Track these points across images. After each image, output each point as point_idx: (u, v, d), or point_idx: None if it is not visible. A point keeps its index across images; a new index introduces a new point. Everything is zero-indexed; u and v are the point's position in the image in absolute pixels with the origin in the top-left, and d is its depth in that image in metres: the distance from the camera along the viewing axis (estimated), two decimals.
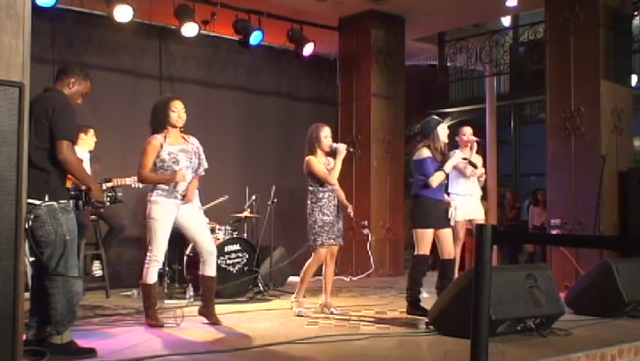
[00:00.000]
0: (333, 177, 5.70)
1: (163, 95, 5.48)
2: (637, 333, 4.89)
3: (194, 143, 5.22)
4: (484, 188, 10.70)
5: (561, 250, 7.47)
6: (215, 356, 4.04)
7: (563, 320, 5.01)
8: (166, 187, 5.04)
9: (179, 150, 5.09)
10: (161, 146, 5.05)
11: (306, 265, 5.78)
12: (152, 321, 5.03)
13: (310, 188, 5.74)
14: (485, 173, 7.17)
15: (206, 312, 5.23)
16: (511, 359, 4.09)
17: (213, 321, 5.16)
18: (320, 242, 5.64)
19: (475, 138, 6.85)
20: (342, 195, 5.85)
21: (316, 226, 5.65)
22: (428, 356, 4.31)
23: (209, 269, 5.21)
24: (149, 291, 5.09)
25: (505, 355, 4.13)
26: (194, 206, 5.30)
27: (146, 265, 5.09)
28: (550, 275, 5.09)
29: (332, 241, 5.67)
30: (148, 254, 5.11)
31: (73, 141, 3.95)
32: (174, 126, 5.11)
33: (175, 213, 5.08)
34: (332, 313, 5.76)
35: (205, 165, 5.26)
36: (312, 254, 5.73)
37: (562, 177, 7.73)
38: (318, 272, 5.89)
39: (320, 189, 5.69)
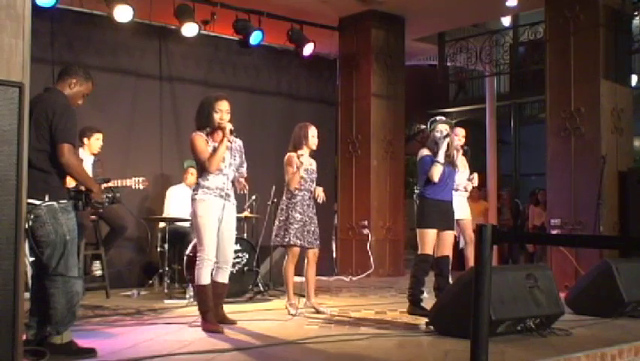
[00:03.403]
0: (292, 184, 5.67)
1: (211, 93, 5.34)
2: (637, 333, 4.89)
3: (236, 141, 5.10)
4: (482, 188, 10.71)
5: (561, 250, 7.47)
6: (215, 356, 4.04)
7: (562, 320, 5.00)
8: (211, 186, 4.95)
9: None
10: (207, 142, 4.98)
11: (283, 267, 5.84)
12: (211, 326, 4.83)
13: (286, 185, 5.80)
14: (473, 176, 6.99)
15: (216, 317, 5.06)
16: (511, 359, 4.09)
17: (227, 323, 5.02)
18: (288, 240, 5.66)
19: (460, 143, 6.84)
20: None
21: (287, 223, 5.69)
22: (428, 356, 4.31)
23: (222, 276, 5.09)
24: (205, 293, 4.91)
25: (505, 355, 4.13)
26: (235, 209, 5.17)
27: (197, 266, 4.93)
28: (550, 275, 5.08)
29: (299, 241, 5.67)
30: (198, 254, 4.96)
31: (74, 144, 3.94)
32: (215, 128, 4.99)
33: (220, 212, 4.95)
34: (318, 312, 5.77)
35: (245, 164, 5.20)
36: (286, 254, 5.78)
37: (562, 177, 7.73)
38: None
39: (295, 187, 5.73)
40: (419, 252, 5.74)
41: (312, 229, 5.78)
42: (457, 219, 6.95)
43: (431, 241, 5.70)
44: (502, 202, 11.78)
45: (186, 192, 7.51)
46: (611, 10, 7.69)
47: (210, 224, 4.92)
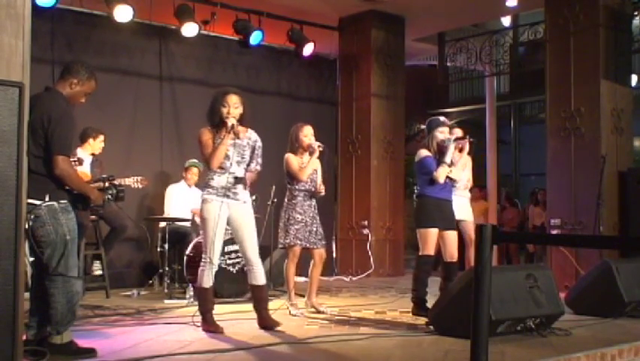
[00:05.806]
0: (304, 174, 5.73)
1: (221, 87, 5.19)
2: (637, 333, 4.89)
3: (250, 137, 4.96)
4: (482, 187, 10.68)
5: (561, 250, 7.47)
6: (215, 356, 4.04)
7: (562, 320, 5.00)
8: (216, 185, 4.86)
9: (230, 145, 4.85)
10: (213, 139, 4.86)
11: (284, 267, 5.84)
12: (211, 327, 4.84)
13: (288, 186, 5.81)
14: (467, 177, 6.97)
15: (263, 321, 5.00)
16: (511, 359, 4.09)
17: (271, 325, 4.93)
18: (289, 240, 5.68)
19: (463, 140, 6.80)
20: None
21: (288, 224, 5.70)
22: (428, 356, 4.31)
23: (255, 278, 4.95)
24: (205, 295, 4.89)
25: (505, 355, 4.13)
26: (248, 208, 5.02)
27: (200, 268, 4.90)
28: (550, 275, 5.08)
29: (301, 242, 5.69)
30: (202, 256, 4.91)
31: (69, 154, 3.91)
32: (223, 121, 4.82)
33: (227, 212, 4.87)
34: (318, 312, 5.77)
35: (259, 161, 5.04)
36: (287, 254, 5.79)
37: (562, 177, 7.73)
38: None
39: (296, 187, 5.76)
40: (420, 253, 5.68)
41: (315, 229, 5.77)
42: (458, 220, 6.94)
43: (433, 240, 5.65)
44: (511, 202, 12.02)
45: (186, 190, 7.52)
46: (611, 10, 7.69)
47: (212, 226, 4.82)
